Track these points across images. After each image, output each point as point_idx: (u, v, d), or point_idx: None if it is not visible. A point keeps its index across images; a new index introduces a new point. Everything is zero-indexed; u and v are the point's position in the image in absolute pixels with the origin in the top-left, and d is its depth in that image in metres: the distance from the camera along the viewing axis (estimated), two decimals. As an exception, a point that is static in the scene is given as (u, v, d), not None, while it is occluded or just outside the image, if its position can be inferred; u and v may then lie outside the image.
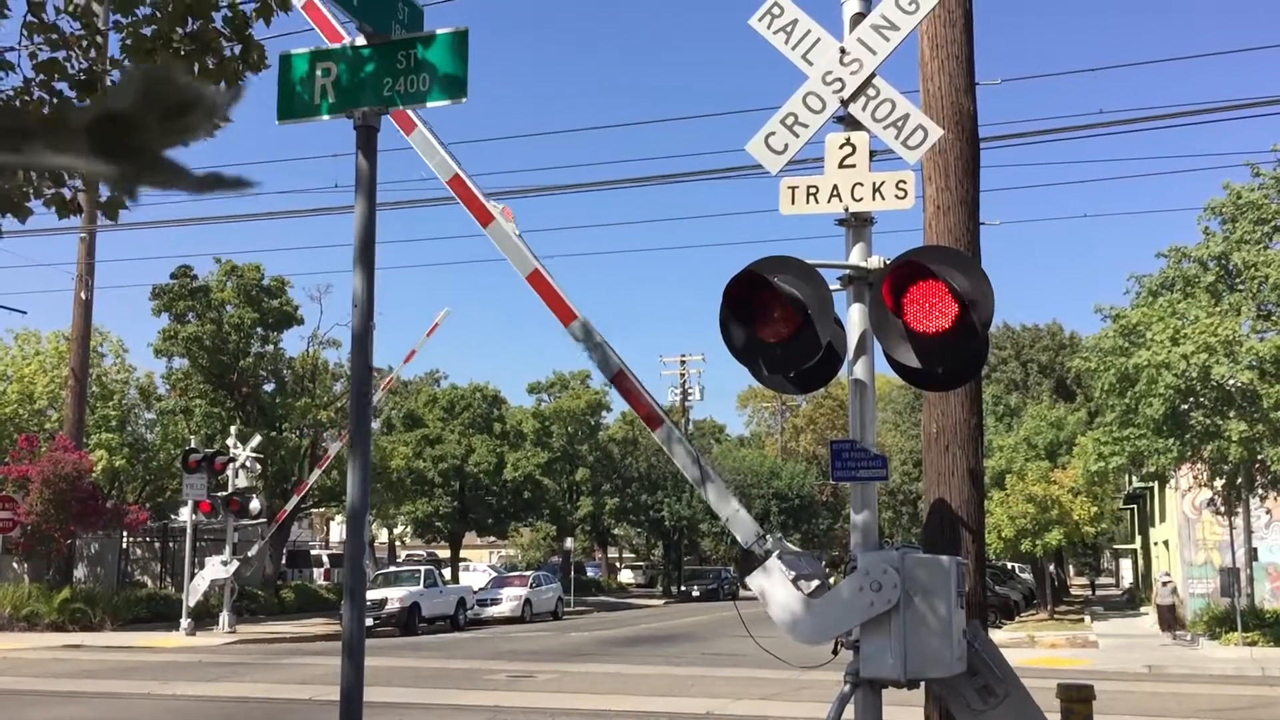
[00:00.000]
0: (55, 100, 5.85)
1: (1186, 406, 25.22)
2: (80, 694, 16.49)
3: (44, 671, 19.64)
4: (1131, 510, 58.19)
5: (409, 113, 7.20)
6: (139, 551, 39.05)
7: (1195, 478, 29.60)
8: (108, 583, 34.35)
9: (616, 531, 67.70)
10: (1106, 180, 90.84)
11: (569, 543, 54.09)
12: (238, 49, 5.75)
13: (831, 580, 6.28)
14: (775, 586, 6.11)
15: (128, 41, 5.59)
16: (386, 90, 6.12)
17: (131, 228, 35.93)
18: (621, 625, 36.45)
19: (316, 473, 33.56)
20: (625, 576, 72.12)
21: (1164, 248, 27.67)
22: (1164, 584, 32.34)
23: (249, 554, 31.46)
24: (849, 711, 5.98)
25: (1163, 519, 42.01)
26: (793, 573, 6.13)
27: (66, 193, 6.12)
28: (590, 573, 64.80)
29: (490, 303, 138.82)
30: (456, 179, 7.74)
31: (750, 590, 6.28)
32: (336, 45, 6.41)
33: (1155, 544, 45.87)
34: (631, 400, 7.47)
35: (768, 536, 6.45)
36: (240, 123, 6.18)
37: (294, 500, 34.85)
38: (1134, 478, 43.40)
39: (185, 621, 28.20)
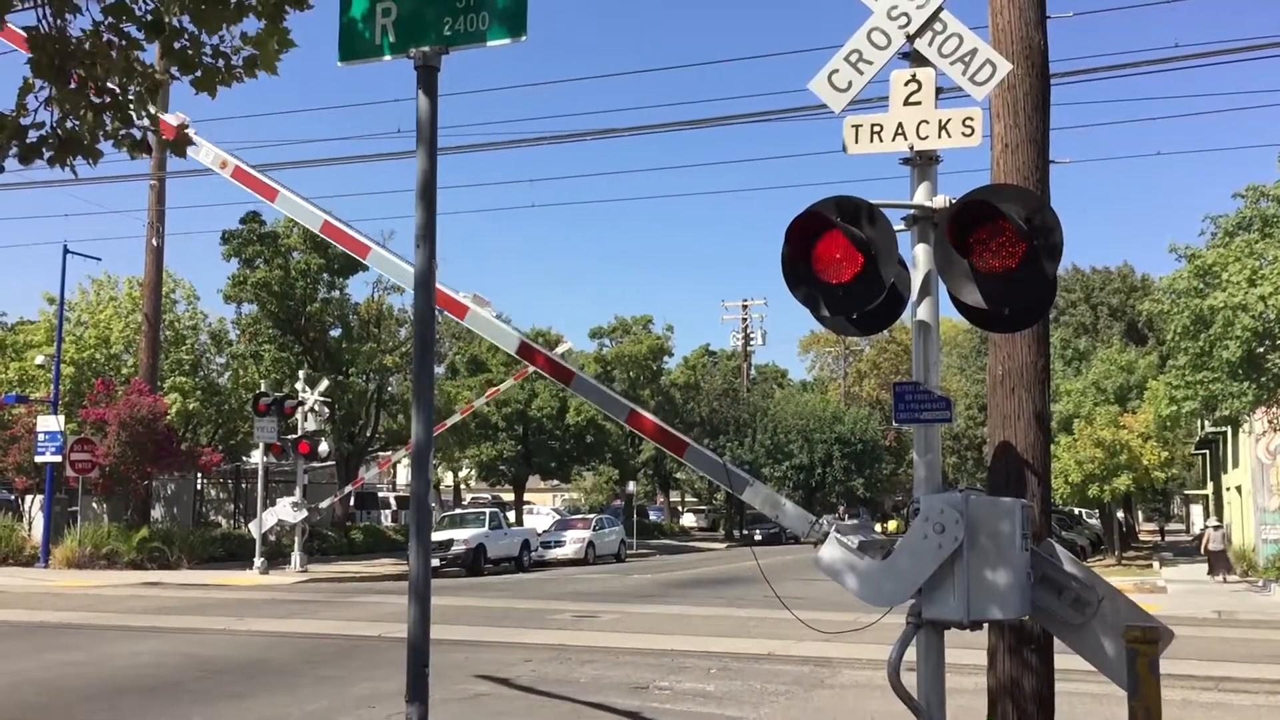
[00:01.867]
0: (124, 42, 5.91)
1: (1263, 349, 24.61)
2: (160, 629, 17.03)
3: (124, 608, 20.30)
4: (1203, 455, 57.20)
5: (379, 249, 8.25)
6: (213, 492, 40.09)
7: (1270, 422, 28.95)
8: (183, 522, 35.34)
9: (678, 475, 68.02)
10: (1182, 117, 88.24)
11: (631, 486, 54.46)
12: None
13: (877, 528, 6.31)
14: (844, 561, 6.08)
15: None
16: (447, 29, 6.10)
17: (199, 174, 36.42)
18: (683, 568, 36.75)
19: (403, 452, 34.65)
20: (687, 520, 72.57)
21: (1241, 187, 26.90)
22: (1215, 529, 33.38)
23: (320, 505, 32.27)
24: (911, 652, 5.98)
25: (1235, 464, 41.23)
26: (856, 540, 6.11)
27: (136, 133, 6.19)
28: (652, 516, 65.29)
29: (551, 247, 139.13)
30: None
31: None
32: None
33: (1227, 489, 45.08)
34: (649, 433, 8.01)
35: (821, 520, 6.45)
36: (305, 69, 6.23)
37: (373, 470, 36.55)
38: (1206, 422, 42.58)
39: (258, 560, 28.97)
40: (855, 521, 6.65)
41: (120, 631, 16.63)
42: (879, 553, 6.04)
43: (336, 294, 38.81)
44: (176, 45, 5.95)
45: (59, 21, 5.80)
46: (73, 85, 5.80)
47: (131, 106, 6.02)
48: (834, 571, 6.12)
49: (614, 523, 44.18)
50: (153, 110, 6.18)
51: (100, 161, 6.25)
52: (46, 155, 5.96)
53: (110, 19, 5.84)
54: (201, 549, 31.84)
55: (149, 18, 5.83)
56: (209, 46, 5.99)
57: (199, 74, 6.00)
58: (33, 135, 5.91)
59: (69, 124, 5.93)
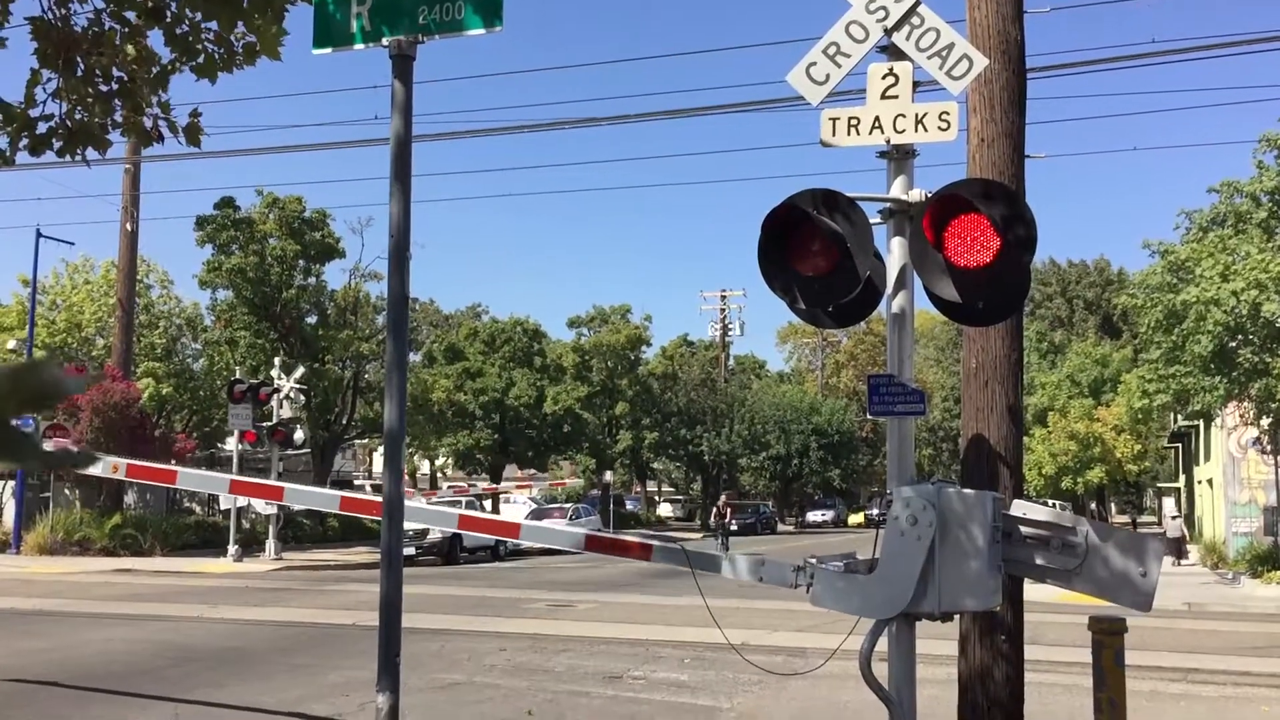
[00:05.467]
0: (126, 30, 5.84)
1: (1235, 344, 24.83)
2: (132, 616, 16.93)
3: (96, 595, 20.17)
4: (1176, 449, 57.67)
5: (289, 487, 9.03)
6: (187, 479, 39.81)
7: (1241, 416, 29.23)
8: (157, 509, 35.13)
9: (655, 465, 68.13)
10: (1158, 113, 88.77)
11: (608, 476, 54.50)
12: None
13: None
14: (838, 589, 6.06)
15: None
16: (422, 18, 6.06)
17: (175, 159, 36.20)
18: (660, 557, 36.76)
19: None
20: (664, 510, 72.71)
21: (1216, 183, 27.11)
22: (1172, 519, 36.03)
23: (293, 506, 32.22)
24: (882, 643, 6.00)
25: (1207, 458, 41.62)
26: (841, 565, 6.11)
27: (147, 121, 6.13)
28: (629, 506, 65.36)
29: (530, 237, 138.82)
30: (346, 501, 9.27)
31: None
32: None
33: (1199, 482, 45.50)
34: (611, 550, 8.44)
35: (804, 568, 6.40)
36: (284, 54, 6.16)
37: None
38: (1179, 416, 42.97)
39: (233, 548, 28.85)
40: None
41: (93, 618, 16.53)
42: (865, 567, 6.03)
43: (313, 280, 38.61)
44: (178, 31, 5.89)
45: (63, 10, 5.73)
46: (79, 74, 5.74)
47: (143, 94, 5.95)
48: (832, 602, 6.08)
49: (590, 512, 44.16)
50: (164, 97, 6.11)
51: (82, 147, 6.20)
52: (56, 146, 5.90)
53: (113, 6, 5.78)
54: (175, 536, 31.67)
55: (150, 4, 5.76)
56: (211, 33, 5.93)
57: (200, 60, 5.94)
58: (42, 127, 5.86)
59: (77, 114, 5.87)
